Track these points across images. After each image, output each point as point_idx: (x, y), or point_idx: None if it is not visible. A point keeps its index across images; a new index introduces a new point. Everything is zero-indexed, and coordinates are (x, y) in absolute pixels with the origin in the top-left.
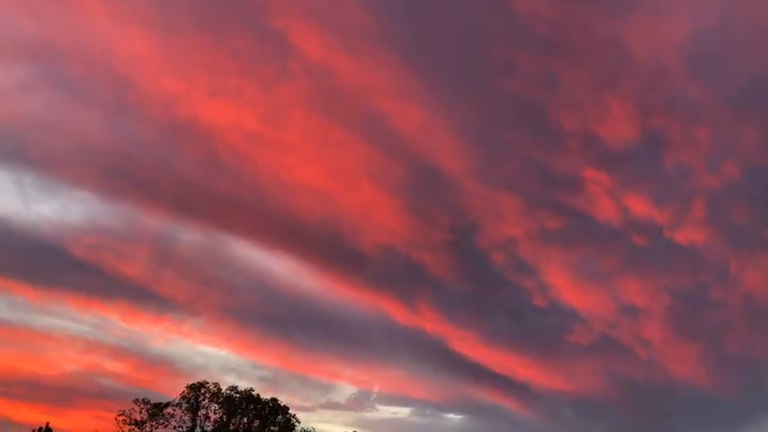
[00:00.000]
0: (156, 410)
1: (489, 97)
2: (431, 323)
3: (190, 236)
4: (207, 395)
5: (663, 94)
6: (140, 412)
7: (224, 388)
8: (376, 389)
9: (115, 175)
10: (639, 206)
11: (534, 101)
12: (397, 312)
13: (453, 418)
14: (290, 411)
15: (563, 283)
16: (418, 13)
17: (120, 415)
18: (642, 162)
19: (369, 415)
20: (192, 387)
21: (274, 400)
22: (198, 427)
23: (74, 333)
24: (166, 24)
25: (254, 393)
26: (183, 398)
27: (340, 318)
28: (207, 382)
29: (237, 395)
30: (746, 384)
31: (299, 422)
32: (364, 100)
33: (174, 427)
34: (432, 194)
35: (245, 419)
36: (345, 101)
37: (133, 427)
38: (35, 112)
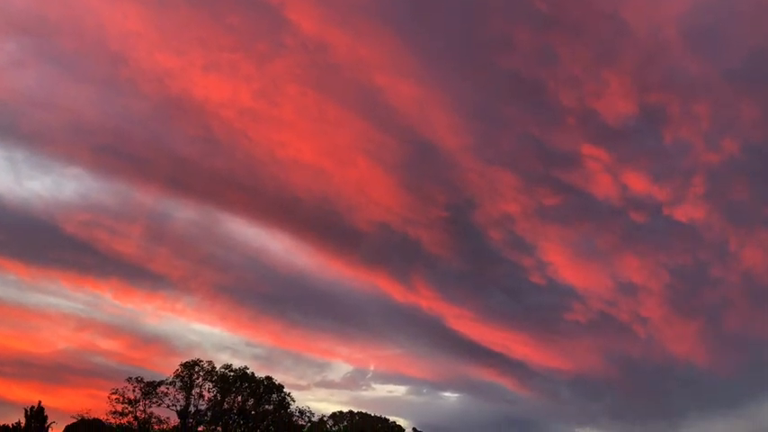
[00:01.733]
0: (150, 389)
1: (486, 72)
2: (427, 301)
3: (184, 213)
4: (201, 373)
5: (662, 70)
6: (134, 391)
7: (218, 366)
8: (371, 367)
9: (108, 151)
10: (638, 183)
11: (532, 76)
12: (392, 290)
13: (450, 396)
14: (284, 390)
15: (561, 260)
16: None
17: (113, 393)
18: (641, 138)
19: (364, 393)
20: (185, 365)
21: (269, 378)
22: (192, 406)
23: (66, 311)
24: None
25: (248, 372)
26: (177, 376)
27: (335, 295)
28: (201, 361)
29: (232, 373)
30: (746, 362)
31: (294, 400)
32: (359, 75)
33: (168, 406)
34: (428, 170)
35: (240, 398)
36: (340, 76)
37: (126, 405)
38: (27, 87)
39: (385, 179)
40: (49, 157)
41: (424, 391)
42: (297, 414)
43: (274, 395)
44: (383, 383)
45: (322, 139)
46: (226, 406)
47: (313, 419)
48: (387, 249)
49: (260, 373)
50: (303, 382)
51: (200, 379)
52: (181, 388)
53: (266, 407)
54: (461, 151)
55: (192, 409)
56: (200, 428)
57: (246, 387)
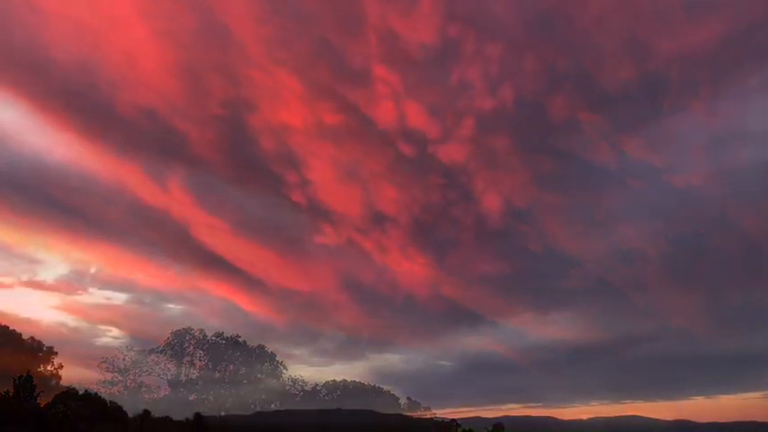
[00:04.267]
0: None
1: None
2: (179, 205)
3: None
4: None
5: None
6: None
7: None
8: (93, 270)
9: None
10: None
11: None
12: (142, 188)
13: (174, 308)
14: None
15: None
16: None
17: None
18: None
19: (80, 298)
20: None
21: None
22: None
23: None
24: None
25: None
26: None
27: (68, 182)
28: None
29: None
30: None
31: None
32: None
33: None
34: (212, 58)
35: None
36: None
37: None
38: None
39: (162, 56)
40: None
41: (147, 300)
42: None
43: None
44: (103, 289)
45: None
46: None
47: None
48: (146, 141)
49: None
50: (8, 280)
51: None
52: None
53: None
54: (255, 44)
55: None
56: None
57: None
